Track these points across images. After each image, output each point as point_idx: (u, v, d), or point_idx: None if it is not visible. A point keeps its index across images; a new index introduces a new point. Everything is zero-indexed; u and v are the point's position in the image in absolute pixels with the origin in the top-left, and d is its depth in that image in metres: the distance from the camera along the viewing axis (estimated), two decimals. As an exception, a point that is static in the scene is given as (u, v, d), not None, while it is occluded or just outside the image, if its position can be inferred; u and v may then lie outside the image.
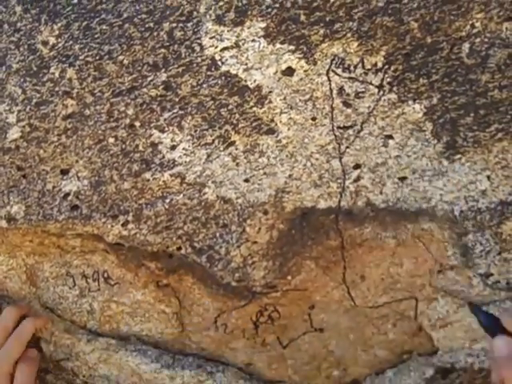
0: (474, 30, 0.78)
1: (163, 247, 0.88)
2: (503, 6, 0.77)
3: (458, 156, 0.80)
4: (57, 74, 0.87)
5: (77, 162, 0.87)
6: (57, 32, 0.87)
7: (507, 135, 0.78)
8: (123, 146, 0.86)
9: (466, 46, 0.78)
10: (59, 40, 0.87)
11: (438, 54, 0.79)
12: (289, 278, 0.86)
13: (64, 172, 0.88)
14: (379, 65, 0.80)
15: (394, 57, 0.80)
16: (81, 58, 0.86)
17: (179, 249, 0.87)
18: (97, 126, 0.86)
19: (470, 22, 0.78)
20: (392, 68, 0.80)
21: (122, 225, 0.87)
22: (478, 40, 0.78)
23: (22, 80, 0.88)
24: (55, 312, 0.97)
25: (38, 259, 0.95)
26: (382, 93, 0.81)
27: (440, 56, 0.79)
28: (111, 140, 0.86)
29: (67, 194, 0.88)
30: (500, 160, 0.79)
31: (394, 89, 0.80)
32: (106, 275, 0.93)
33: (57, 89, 0.87)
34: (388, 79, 0.80)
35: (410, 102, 0.80)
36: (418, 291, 0.85)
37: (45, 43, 0.87)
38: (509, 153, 0.79)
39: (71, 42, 0.86)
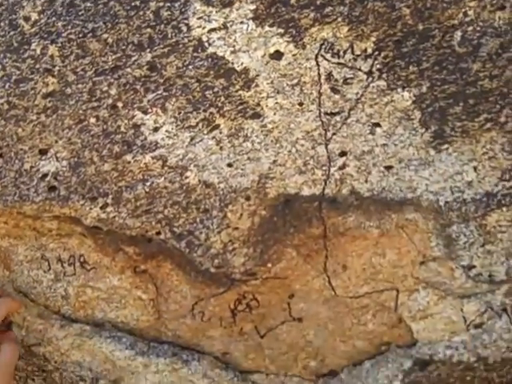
0: (467, 19, 0.77)
1: (142, 231, 0.86)
2: (496, -5, 0.76)
3: (446, 146, 0.79)
4: (38, 51, 0.85)
5: (56, 142, 0.85)
6: (39, 8, 0.85)
7: (496, 125, 0.78)
8: (104, 127, 0.84)
9: (457, 34, 0.78)
10: (41, 16, 0.85)
11: (430, 41, 0.78)
12: (269, 265, 0.84)
13: (42, 152, 0.86)
14: (369, 51, 0.79)
15: (384, 43, 0.79)
16: (63, 35, 0.84)
17: (158, 233, 0.85)
18: (78, 106, 0.84)
19: (463, 10, 0.77)
20: (382, 54, 0.79)
21: (101, 207, 0.85)
22: (470, 28, 0.77)
23: (1, 56, 0.86)
24: (29, 296, 0.94)
25: (12, 242, 0.93)
26: (370, 79, 0.80)
27: (431, 44, 0.78)
28: (92, 120, 0.84)
29: (45, 175, 0.86)
30: (487, 151, 0.78)
31: (384, 76, 0.79)
32: (82, 259, 0.91)
33: (37, 66, 0.85)
34: (377, 66, 0.79)
35: (399, 90, 0.79)
36: (400, 282, 0.84)
37: (27, 19, 0.85)
38: (497, 143, 0.78)
39: (54, 19, 0.84)
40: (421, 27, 0.78)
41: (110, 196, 0.85)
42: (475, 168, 0.79)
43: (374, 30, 0.79)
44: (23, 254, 0.93)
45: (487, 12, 0.76)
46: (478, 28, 0.77)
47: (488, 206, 0.79)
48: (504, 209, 0.79)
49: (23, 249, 0.93)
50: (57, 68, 0.84)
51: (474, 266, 0.81)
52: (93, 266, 0.90)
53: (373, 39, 0.79)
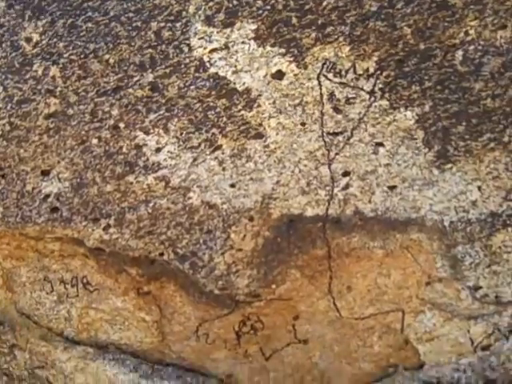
0: (468, 38, 0.80)
1: (145, 253, 0.88)
2: (498, 13, 0.79)
3: (449, 165, 0.82)
4: (40, 72, 0.88)
5: (58, 162, 0.88)
6: (41, 29, 0.88)
7: (499, 145, 0.80)
8: (107, 148, 0.87)
9: (459, 54, 0.80)
10: (43, 37, 0.88)
11: (431, 60, 0.81)
12: (273, 286, 0.87)
13: (45, 173, 0.89)
14: (371, 70, 0.82)
15: (386, 62, 0.82)
16: (65, 55, 0.87)
17: (162, 255, 0.88)
18: (80, 126, 0.87)
19: (464, 30, 0.80)
20: (384, 74, 0.82)
21: (104, 229, 0.88)
22: (471, 47, 0.80)
23: (3, 77, 0.89)
24: (31, 318, 0.98)
25: (14, 263, 0.96)
26: (373, 99, 0.82)
27: (433, 63, 0.81)
28: (94, 141, 0.87)
29: (47, 196, 0.89)
30: (491, 170, 0.81)
31: (386, 95, 0.82)
32: (85, 281, 0.93)
33: (39, 87, 0.88)
34: (380, 85, 0.82)
35: (402, 109, 0.82)
36: (405, 303, 0.86)
37: (28, 40, 0.88)
38: (500, 163, 0.80)
39: (55, 40, 0.88)
40: (422, 46, 0.81)
41: (113, 217, 0.88)
42: (479, 188, 0.81)
43: (375, 50, 0.82)
44: (26, 275, 0.96)
45: (488, 31, 0.79)
46: (480, 47, 0.79)
47: (493, 226, 0.82)
48: (509, 229, 0.81)
49: (26, 270, 0.96)
50: (59, 89, 0.88)
51: (481, 287, 0.83)
52: (96, 287, 0.93)
53: (374, 59, 0.82)
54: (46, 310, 0.96)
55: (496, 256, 0.82)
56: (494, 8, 0.79)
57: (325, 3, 0.82)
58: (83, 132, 0.87)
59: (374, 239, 0.84)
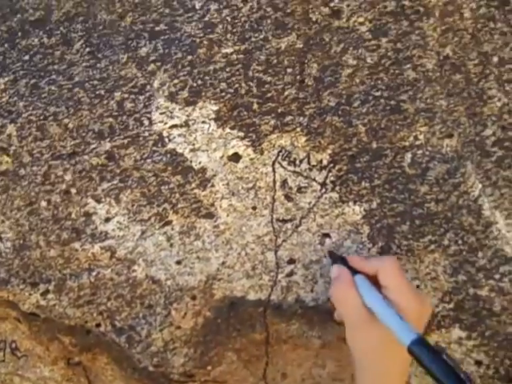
0: (417, 142, 0.85)
1: (82, 322, 0.88)
2: (446, 122, 0.84)
3: (391, 262, 0.84)
4: (-5, 129, 0.88)
5: (2, 221, 0.88)
6: (2, 86, 0.89)
7: (439, 247, 0.84)
8: (55, 212, 0.87)
9: (408, 156, 0.85)
10: (3, 94, 0.89)
11: (382, 159, 0.85)
12: (209, 368, 0.87)
13: (-14, 230, 0.88)
14: (324, 162, 0.86)
15: (339, 156, 0.85)
16: (24, 115, 0.88)
17: (98, 325, 0.88)
18: (30, 188, 0.87)
19: (414, 134, 0.85)
20: (336, 167, 0.85)
21: (42, 294, 0.87)
22: (419, 152, 0.84)
23: (-43, 130, 0.88)
24: (-48, 380, 0.94)
25: None
26: (324, 190, 0.85)
27: (383, 162, 0.85)
28: (43, 204, 0.87)
29: (-14, 254, 0.87)
30: (430, 271, 0.84)
31: (337, 188, 0.86)
32: (13, 346, 0.91)
33: (-7, 143, 0.87)
34: (331, 178, 0.85)
35: (351, 204, 0.85)
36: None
37: (-12, 95, 0.88)
38: (439, 265, 0.84)
39: (16, 98, 0.88)
40: (374, 145, 0.85)
41: (53, 283, 0.87)
42: (418, 287, 0.84)
43: (330, 143, 0.85)
44: (-49, 334, 0.93)
45: (436, 138, 0.84)
46: (427, 152, 0.84)
47: (428, 326, 0.84)
48: (443, 330, 0.85)
49: (-48, 329, 0.93)
50: (13, 147, 0.88)
51: (412, 385, 0.86)
52: (24, 353, 0.91)
53: (329, 151, 0.85)
54: (-31, 371, 0.93)
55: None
56: (443, 117, 0.84)
57: (286, 93, 0.85)
58: (33, 193, 0.87)
59: (313, 328, 0.85)
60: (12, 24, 0.91)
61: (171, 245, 0.86)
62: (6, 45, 0.90)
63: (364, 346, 0.75)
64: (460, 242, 0.83)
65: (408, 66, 0.85)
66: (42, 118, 0.88)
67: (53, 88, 0.88)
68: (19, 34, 0.90)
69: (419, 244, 0.84)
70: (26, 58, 0.89)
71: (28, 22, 0.90)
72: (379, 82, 0.85)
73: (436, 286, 0.84)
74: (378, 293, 0.74)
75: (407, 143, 0.85)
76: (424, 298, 0.74)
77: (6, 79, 0.89)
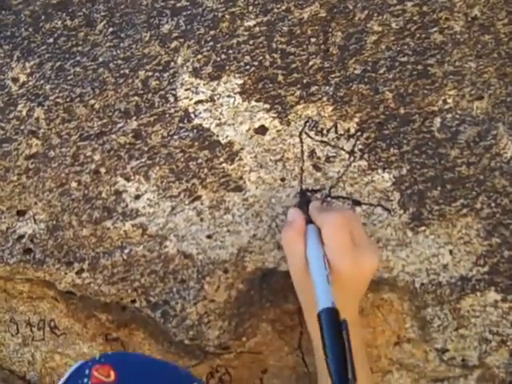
0: (446, 106, 0.85)
1: (117, 299, 0.90)
2: (475, 85, 0.84)
3: (423, 228, 0.86)
4: (24, 113, 0.90)
5: (35, 203, 0.90)
6: (28, 70, 0.91)
7: (472, 211, 0.84)
8: (86, 192, 0.89)
9: (437, 121, 0.85)
10: (30, 78, 0.91)
11: (410, 125, 0.85)
12: (243, 339, 0.89)
13: (20, 213, 0.91)
14: (352, 131, 0.86)
15: (366, 124, 0.86)
16: (51, 98, 0.90)
17: (133, 302, 0.90)
18: (60, 169, 0.89)
19: (443, 98, 0.85)
20: (364, 135, 0.86)
21: (77, 273, 0.90)
22: (449, 116, 0.85)
23: (-14, 115, 0.91)
24: (-6, 360, 0.97)
25: (-20, 302, 0.96)
26: (352, 159, 0.86)
27: (412, 128, 0.85)
28: (74, 184, 0.89)
29: (21, 237, 0.91)
30: (463, 235, 0.85)
31: (365, 156, 0.86)
32: (52, 324, 0.94)
33: (22, 127, 0.90)
34: (359, 146, 0.86)
35: (380, 171, 0.86)
36: (373, 362, 0.88)
37: (15, 80, 0.91)
38: (472, 229, 0.84)
39: (42, 82, 0.91)
40: (402, 111, 0.85)
41: (87, 261, 0.89)
42: (451, 251, 0.85)
43: (357, 111, 0.86)
44: (-9, 315, 0.97)
45: (466, 101, 0.84)
46: (457, 116, 0.84)
47: (463, 289, 0.85)
48: (478, 294, 0.85)
49: (-9, 310, 0.97)
50: (42, 130, 0.90)
51: (448, 350, 0.86)
52: (63, 331, 0.94)
53: (356, 120, 0.86)
54: (10, 352, 0.97)
55: (464, 319, 0.86)
56: (472, 80, 0.84)
57: (311, 63, 0.86)
58: (63, 175, 0.89)
59: (346, 296, 0.87)
60: (35, 8, 0.93)
61: (201, 219, 0.88)
62: (30, 29, 0.92)
63: (302, 294, 0.80)
64: (493, 204, 0.84)
65: (435, 29, 0.85)
66: (68, 99, 0.90)
67: (78, 69, 0.90)
68: (42, 17, 0.92)
69: (451, 208, 0.85)
70: (51, 40, 0.91)
71: (51, 5, 0.92)
72: (405, 47, 0.85)
73: (470, 249, 0.85)
74: (321, 249, 0.75)
75: (436, 108, 0.85)
76: (363, 261, 0.75)
77: (32, 63, 0.91)
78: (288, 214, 0.83)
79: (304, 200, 0.84)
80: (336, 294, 0.70)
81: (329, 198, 0.86)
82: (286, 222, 0.82)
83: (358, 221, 0.81)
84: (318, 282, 0.72)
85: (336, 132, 0.86)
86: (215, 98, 0.87)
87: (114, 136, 0.89)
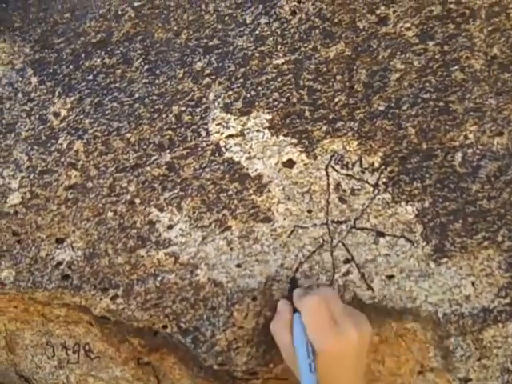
0: (467, 141, 0.88)
1: (149, 324, 0.94)
2: (496, 121, 0.88)
3: (445, 260, 0.89)
4: (64, 145, 0.96)
5: (73, 232, 0.95)
6: (69, 105, 0.97)
7: (493, 244, 0.87)
8: (121, 221, 0.94)
9: (458, 155, 0.88)
10: (70, 113, 0.97)
11: (433, 160, 0.89)
12: (271, 365, 0.92)
13: (59, 241, 0.96)
14: (376, 165, 0.90)
15: (390, 158, 0.90)
16: (90, 131, 0.95)
17: (165, 327, 0.93)
18: (97, 199, 0.94)
19: (464, 133, 0.89)
20: (388, 169, 0.90)
21: (111, 298, 0.94)
22: (470, 151, 0.88)
23: (29, 148, 0.97)
24: (30, 381, 1.02)
25: (19, 326, 1.02)
26: (376, 192, 0.90)
27: (434, 162, 0.89)
28: (110, 214, 0.94)
29: (59, 263, 0.95)
30: (485, 267, 0.88)
31: (389, 189, 0.90)
32: (87, 348, 0.98)
33: (62, 159, 0.96)
34: (383, 179, 0.90)
35: (403, 204, 0.90)
36: (398, 390, 0.91)
37: (56, 114, 0.97)
38: (494, 261, 0.87)
39: (82, 116, 0.96)
40: (424, 146, 0.89)
41: (121, 288, 0.94)
42: (473, 283, 0.88)
43: (381, 146, 0.90)
44: (29, 338, 1.01)
45: (486, 136, 0.88)
46: (478, 151, 0.88)
47: (485, 320, 0.88)
48: (500, 325, 0.87)
49: (29, 333, 1.01)
50: (80, 162, 0.95)
51: (470, 380, 0.88)
52: (97, 355, 0.98)
53: (380, 154, 0.90)
54: (46, 374, 1.01)
55: (486, 350, 0.88)
56: (493, 116, 0.88)
57: (336, 99, 0.91)
58: (100, 205, 0.94)
59: (371, 325, 0.89)
60: (76, 46, 0.99)
61: (231, 249, 0.92)
62: (71, 66, 0.98)
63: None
64: (513, 237, 0.87)
65: (456, 67, 0.89)
66: (106, 133, 0.95)
67: (115, 105, 0.96)
68: (83, 55, 0.98)
69: (473, 241, 0.88)
70: (90, 77, 0.97)
71: (90, 44, 0.99)
72: (427, 84, 0.89)
73: (491, 281, 0.88)
74: (305, 336, 0.79)
75: (457, 143, 0.88)
76: (347, 334, 0.78)
77: (72, 98, 0.97)
78: (278, 305, 0.88)
79: (292, 287, 0.89)
80: (326, 376, 0.77)
81: (354, 229, 0.90)
82: (276, 313, 0.87)
83: (336, 297, 0.84)
84: (302, 371, 0.78)
85: (361, 166, 0.90)
86: (245, 132, 0.92)
87: (148, 168, 0.94)
